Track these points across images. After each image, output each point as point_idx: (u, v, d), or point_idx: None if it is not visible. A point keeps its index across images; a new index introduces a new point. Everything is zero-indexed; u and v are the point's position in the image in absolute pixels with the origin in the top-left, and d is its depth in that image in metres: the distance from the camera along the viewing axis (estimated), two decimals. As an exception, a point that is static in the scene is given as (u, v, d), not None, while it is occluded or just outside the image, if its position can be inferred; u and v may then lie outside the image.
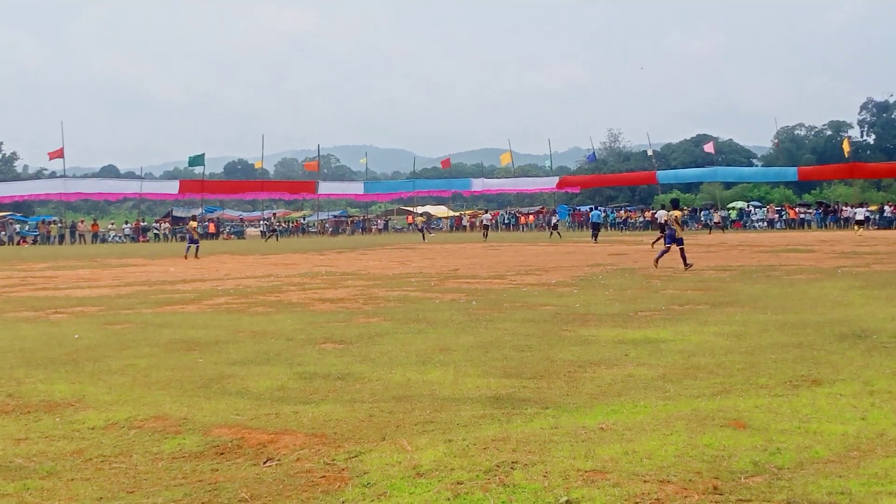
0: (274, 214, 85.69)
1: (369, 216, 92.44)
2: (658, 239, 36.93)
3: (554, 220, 62.96)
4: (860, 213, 56.77)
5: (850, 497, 4.51)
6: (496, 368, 8.71)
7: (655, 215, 47.20)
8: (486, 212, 70.72)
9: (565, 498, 4.59)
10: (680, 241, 22.98)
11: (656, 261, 23.01)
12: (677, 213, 23.98)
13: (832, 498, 4.50)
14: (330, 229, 79.82)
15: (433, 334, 11.30)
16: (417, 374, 8.47)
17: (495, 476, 5.00)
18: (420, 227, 57.66)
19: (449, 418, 6.57)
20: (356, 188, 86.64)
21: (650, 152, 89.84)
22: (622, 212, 76.43)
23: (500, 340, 10.60)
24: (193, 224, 39.45)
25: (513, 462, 5.24)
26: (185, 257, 35.28)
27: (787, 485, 4.72)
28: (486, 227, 57.42)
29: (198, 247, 36.70)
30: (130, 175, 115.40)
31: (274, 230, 67.89)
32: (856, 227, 53.27)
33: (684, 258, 22.65)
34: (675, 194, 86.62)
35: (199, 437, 6.21)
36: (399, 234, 72.89)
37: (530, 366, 8.81)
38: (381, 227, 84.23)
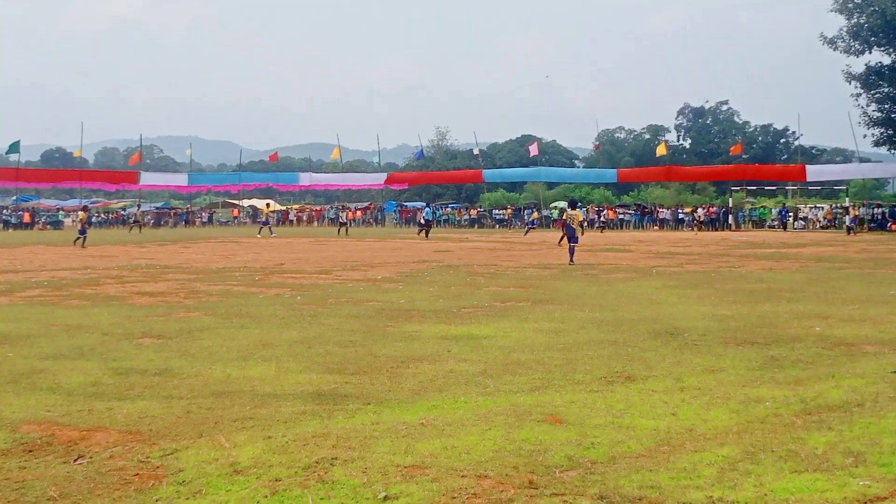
0: (139, 205, 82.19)
1: (193, 208, 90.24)
2: (563, 238, 37.65)
3: (420, 216, 54.21)
4: (700, 214, 61.37)
5: (660, 490, 4.68)
6: (319, 364, 8.67)
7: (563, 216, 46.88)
8: (343, 207, 70.02)
9: (383, 494, 4.61)
10: (575, 240, 23.94)
11: (570, 260, 23.70)
12: (576, 213, 25.10)
13: (642, 491, 4.66)
14: (151, 221, 77.54)
15: (256, 329, 11.16)
16: (238, 370, 8.35)
17: (314, 473, 4.98)
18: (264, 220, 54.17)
19: (269, 415, 6.51)
20: (180, 180, 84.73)
21: (476, 151, 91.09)
22: (448, 209, 77.03)
23: (324, 336, 10.56)
24: (83, 215, 38.49)
25: (332, 458, 5.22)
26: (74, 244, 35.15)
27: (599, 479, 4.87)
28: (343, 225, 53.78)
29: (85, 237, 36.02)
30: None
31: (137, 221, 65.67)
32: (696, 228, 56.65)
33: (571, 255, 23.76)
34: (499, 193, 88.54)
35: (6, 434, 5.97)
36: (224, 227, 71.51)
37: (353, 361, 8.82)
38: (205, 219, 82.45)
